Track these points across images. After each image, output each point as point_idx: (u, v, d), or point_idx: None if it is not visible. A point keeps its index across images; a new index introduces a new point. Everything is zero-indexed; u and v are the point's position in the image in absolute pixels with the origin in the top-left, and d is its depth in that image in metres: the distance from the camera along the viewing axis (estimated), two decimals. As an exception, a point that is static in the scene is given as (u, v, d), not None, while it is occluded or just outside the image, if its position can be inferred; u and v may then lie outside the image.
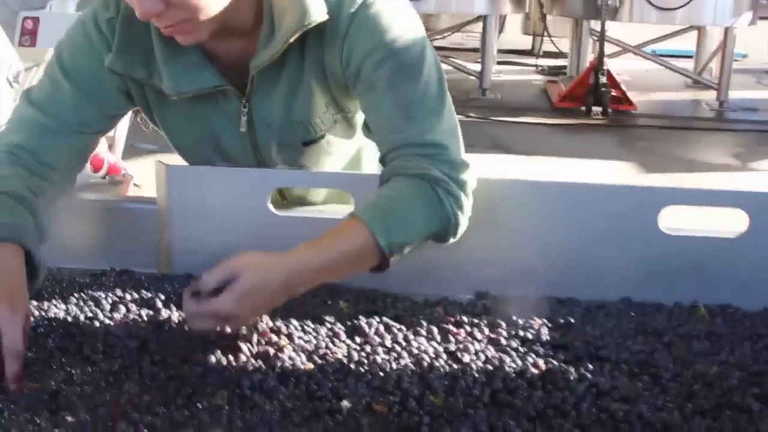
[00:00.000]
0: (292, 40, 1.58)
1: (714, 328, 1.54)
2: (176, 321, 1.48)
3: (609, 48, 8.73)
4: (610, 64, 8.52)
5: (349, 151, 1.84)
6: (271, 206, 1.69)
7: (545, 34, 10.45)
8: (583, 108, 8.33)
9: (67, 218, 1.71)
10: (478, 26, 9.45)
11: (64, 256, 1.68)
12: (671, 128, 8.15)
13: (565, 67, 10.44)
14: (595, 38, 9.38)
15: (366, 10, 1.58)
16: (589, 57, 9.62)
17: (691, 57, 10.77)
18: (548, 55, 11.01)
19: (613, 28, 8.85)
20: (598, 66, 8.29)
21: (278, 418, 1.20)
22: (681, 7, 8.42)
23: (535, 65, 10.88)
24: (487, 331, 1.49)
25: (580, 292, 1.66)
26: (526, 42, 12.39)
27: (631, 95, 8.57)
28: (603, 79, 8.26)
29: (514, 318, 1.54)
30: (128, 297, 1.58)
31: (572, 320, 1.55)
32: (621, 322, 1.57)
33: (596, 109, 8.28)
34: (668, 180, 6.32)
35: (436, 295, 1.65)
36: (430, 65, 1.62)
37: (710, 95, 9.40)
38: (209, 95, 1.67)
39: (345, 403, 1.23)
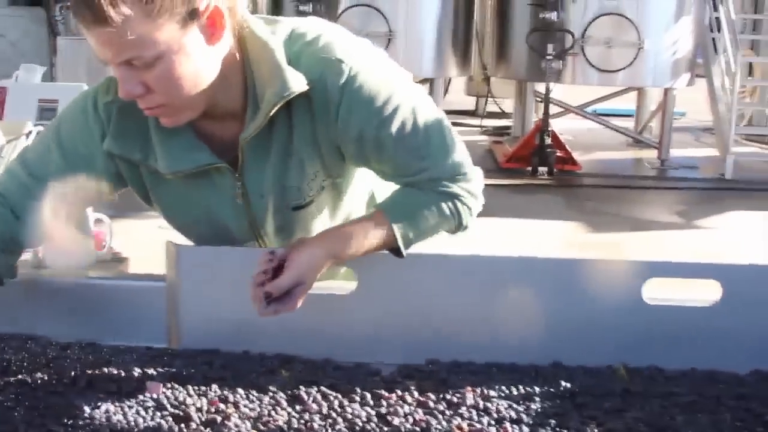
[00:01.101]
0: (273, 111, 1.63)
1: (630, 387, 1.62)
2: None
3: (552, 109, 8.92)
4: (553, 124, 8.71)
5: (338, 212, 1.89)
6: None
7: (489, 95, 10.64)
8: (529, 168, 8.50)
9: (76, 295, 1.79)
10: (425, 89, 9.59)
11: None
12: (616, 187, 8.33)
13: (509, 127, 10.64)
14: (539, 99, 9.58)
15: (354, 80, 1.64)
16: (533, 117, 9.81)
17: (631, 116, 11.03)
18: (491, 115, 11.19)
19: (554, 89, 9.04)
20: (543, 127, 8.47)
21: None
22: (622, 69, 8.65)
23: (480, 125, 11.05)
24: (416, 394, 1.56)
25: (566, 357, 1.72)
26: (469, 102, 12.59)
27: (574, 155, 8.76)
28: (548, 140, 8.44)
29: (445, 383, 1.61)
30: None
31: (504, 387, 1.61)
32: (547, 383, 1.63)
33: (542, 169, 8.45)
34: (617, 239, 6.44)
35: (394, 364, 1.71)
36: (422, 104, 1.72)
37: (651, 154, 9.63)
38: (204, 172, 1.72)
39: None
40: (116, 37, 1.48)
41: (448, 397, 1.55)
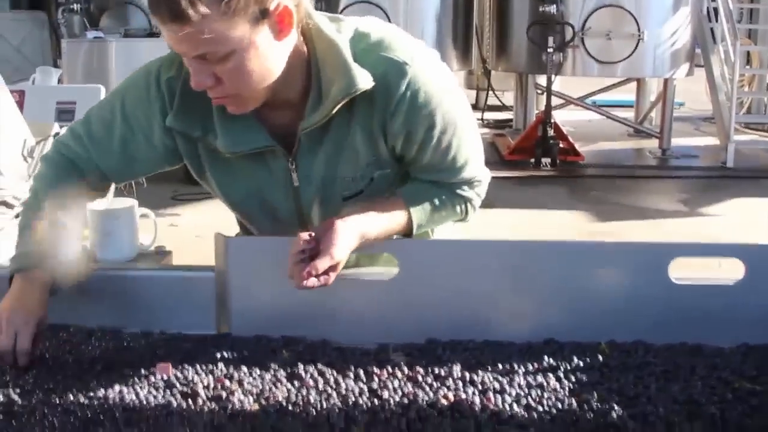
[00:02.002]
0: (339, 106, 1.73)
1: (609, 362, 1.70)
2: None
3: (553, 100, 8.98)
4: (554, 116, 8.78)
5: None
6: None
7: (489, 88, 10.70)
8: (532, 160, 8.57)
9: (128, 287, 1.87)
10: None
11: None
12: (619, 177, 8.42)
13: (510, 120, 10.72)
14: (539, 91, 9.65)
15: (416, 82, 1.74)
16: (534, 109, 9.87)
17: (630, 106, 11.09)
18: (492, 108, 11.26)
19: (554, 81, 9.10)
20: (545, 119, 8.53)
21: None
22: (622, 60, 8.73)
23: (481, 119, 11.13)
24: (406, 370, 1.66)
25: (597, 336, 1.79)
26: (469, 96, 12.65)
27: (576, 146, 8.83)
28: (551, 132, 8.51)
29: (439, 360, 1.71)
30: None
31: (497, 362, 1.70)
32: (528, 359, 1.71)
33: (545, 160, 8.52)
34: (622, 228, 6.52)
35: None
36: (465, 112, 1.86)
37: (652, 143, 9.71)
38: (259, 154, 1.82)
39: None
40: (193, 34, 1.56)
41: (437, 371, 1.64)
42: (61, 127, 3.41)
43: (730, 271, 1.85)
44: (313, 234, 1.69)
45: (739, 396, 1.56)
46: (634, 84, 10.64)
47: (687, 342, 1.78)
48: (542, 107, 8.85)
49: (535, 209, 7.00)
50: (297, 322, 1.81)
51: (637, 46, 8.69)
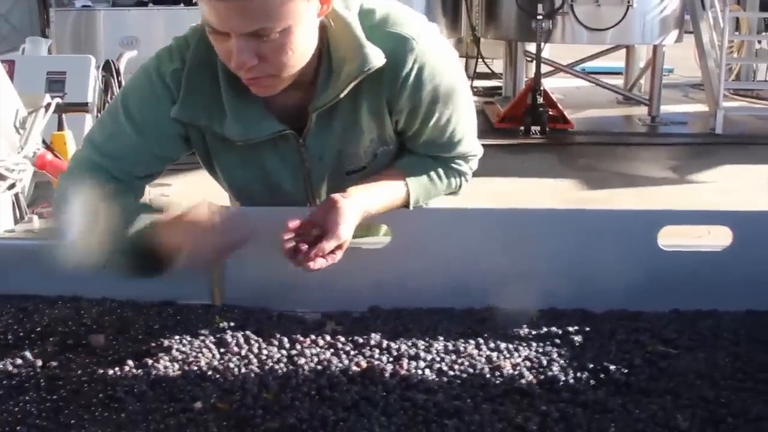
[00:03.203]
0: (352, 85, 1.74)
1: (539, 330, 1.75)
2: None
3: (542, 68, 8.98)
4: (543, 83, 8.79)
5: None
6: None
7: (479, 56, 10.68)
8: (522, 128, 8.58)
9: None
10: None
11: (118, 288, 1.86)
12: (608, 144, 8.44)
13: (499, 87, 10.70)
14: (529, 59, 9.65)
15: (423, 57, 1.75)
16: (524, 77, 9.87)
17: (619, 73, 11.10)
18: (481, 76, 11.24)
19: (543, 48, 9.09)
20: (534, 87, 8.54)
21: (141, 417, 1.42)
22: (611, 27, 8.73)
23: (471, 87, 11.04)
24: (328, 338, 1.70)
25: (582, 303, 1.83)
26: (458, 64, 12.59)
27: (566, 113, 8.84)
28: (540, 100, 8.52)
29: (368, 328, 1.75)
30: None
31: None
32: (453, 326, 1.76)
33: (535, 128, 8.54)
34: (611, 195, 6.54)
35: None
36: (465, 88, 1.87)
37: (641, 111, 9.73)
38: (269, 139, 1.82)
39: (197, 404, 1.45)
40: (254, 8, 1.54)
41: (358, 339, 1.68)
42: (52, 97, 3.41)
43: (719, 238, 1.88)
44: (307, 220, 1.69)
45: (650, 359, 1.60)
46: (623, 51, 10.64)
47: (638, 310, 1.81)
48: (531, 75, 8.86)
49: (525, 177, 7.02)
50: (291, 291, 1.83)
51: (626, 12, 8.69)
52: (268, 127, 1.79)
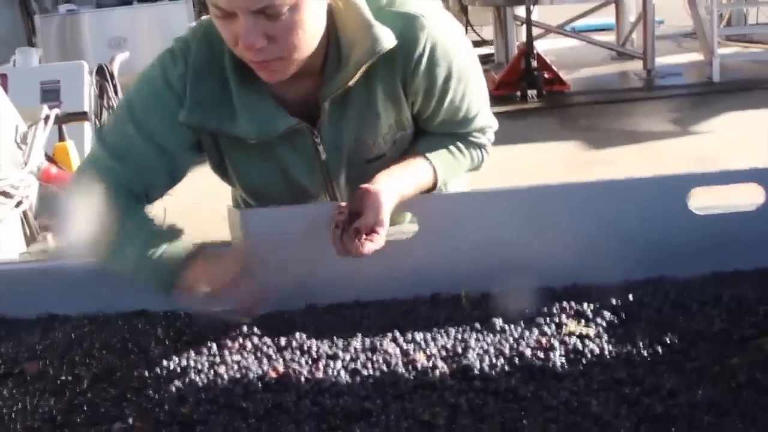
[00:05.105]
0: (364, 68, 1.69)
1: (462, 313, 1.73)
2: None
3: (533, 31, 8.92)
4: (535, 46, 8.71)
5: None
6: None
7: (467, 24, 10.61)
8: (518, 93, 8.52)
9: None
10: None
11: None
12: (607, 102, 8.38)
13: (491, 54, 10.62)
14: (519, 23, 9.58)
15: (433, 36, 1.71)
16: (515, 42, 9.80)
17: (610, 29, 11.02)
18: (471, 44, 11.15)
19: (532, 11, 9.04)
20: (527, 50, 8.47)
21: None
22: (599, -17, 8.66)
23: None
24: (256, 340, 1.67)
25: (608, 275, 1.79)
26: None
27: (561, 75, 8.78)
28: (534, 63, 8.46)
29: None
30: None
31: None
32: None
33: (531, 92, 8.48)
34: (616, 154, 6.49)
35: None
36: (476, 63, 1.85)
37: (636, 65, 9.65)
38: (282, 134, 1.77)
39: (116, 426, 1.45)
40: None
41: (280, 342, 1.66)
42: (50, 108, 3.37)
43: (748, 196, 1.84)
44: (345, 204, 1.66)
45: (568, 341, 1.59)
46: (612, 7, 10.56)
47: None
48: (522, 39, 8.79)
49: (527, 143, 6.96)
50: (318, 290, 1.80)
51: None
52: (282, 122, 1.74)
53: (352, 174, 1.86)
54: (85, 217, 1.68)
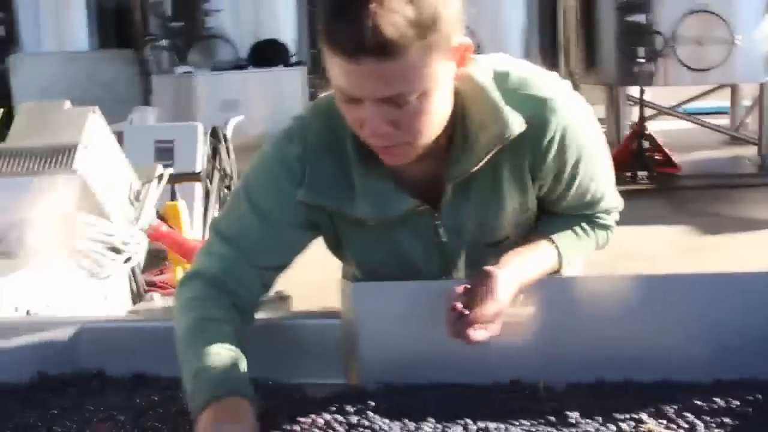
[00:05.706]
0: (493, 153, 1.65)
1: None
2: None
3: (645, 111, 8.81)
4: (647, 127, 8.61)
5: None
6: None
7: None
8: (629, 174, 8.40)
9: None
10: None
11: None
12: (719, 187, 8.21)
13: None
14: (630, 103, 9.48)
15: (564, 119, 1.66)
16: (627, 122, 9.70)
17: (724, 113, 10.83)
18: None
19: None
20: (639, 131, 8.38)
21: None
22: (715, 67, 8.52)
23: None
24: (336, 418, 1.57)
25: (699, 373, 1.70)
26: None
27: (672, 157, 8.64)
28: (646, 144, 8.35)
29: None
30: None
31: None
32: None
33: (641, 173, 8.36)
34: (726, 241, 6.33)
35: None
36: (602, 142, 1.81)
37: (750, 150, 9.45)
38: (402, 216, 1.73)
39: None
40: (391, 72, 1.46)
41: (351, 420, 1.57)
42: (164, 167, 3.41)
43: None
44: (467, 286, 1.60)
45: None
46: (726, 90, 10.39)
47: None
48: (633, 119, 8.69)
49: (637, 225, 6.81)
50: (429, 368, 1.73)
51: (730, 51, 8.48)
52: (402, 204, 1.70)
53: (473, 257, 1.80)
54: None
